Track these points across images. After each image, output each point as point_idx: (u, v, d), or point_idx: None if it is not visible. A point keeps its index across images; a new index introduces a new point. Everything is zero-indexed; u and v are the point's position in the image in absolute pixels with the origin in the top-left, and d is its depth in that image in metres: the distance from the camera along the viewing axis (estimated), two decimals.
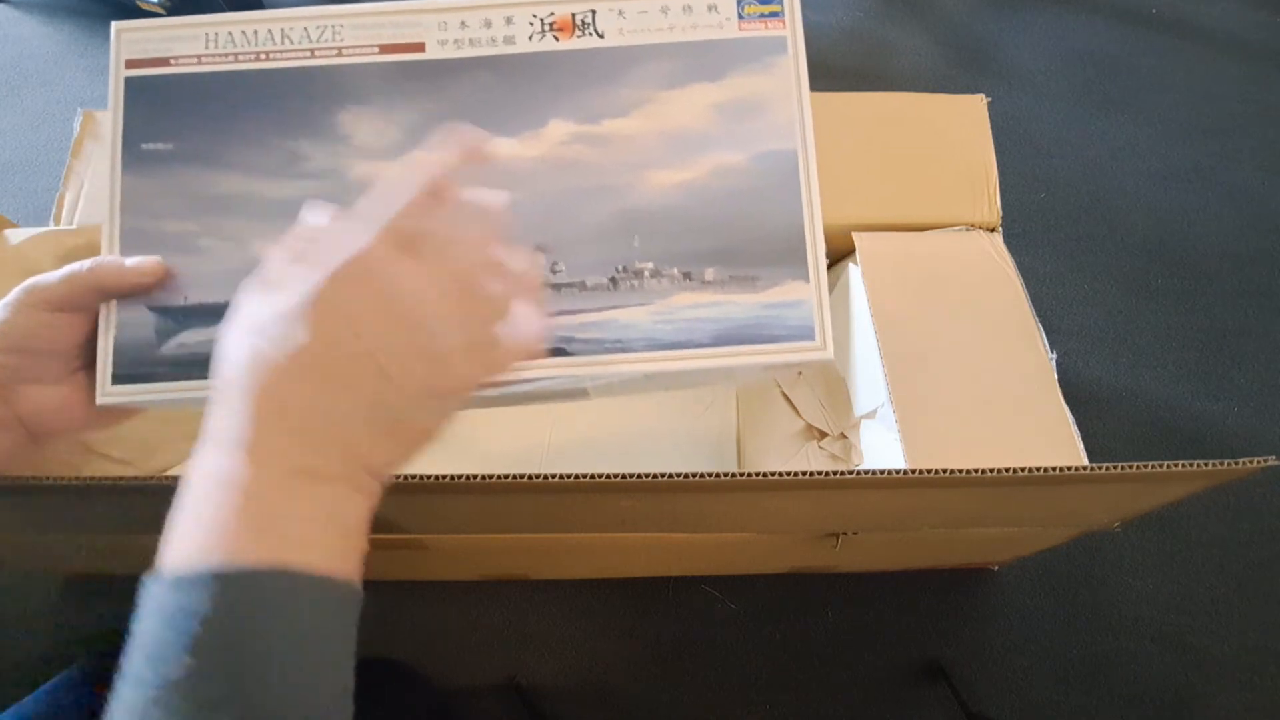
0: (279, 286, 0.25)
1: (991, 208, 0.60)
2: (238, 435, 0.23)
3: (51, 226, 0.59)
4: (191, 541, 0.22)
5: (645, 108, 0.37)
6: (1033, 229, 0.97)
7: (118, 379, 0.34)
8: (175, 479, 0.35)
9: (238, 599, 0.21)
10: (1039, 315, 0.54)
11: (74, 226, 0.59)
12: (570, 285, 0.35)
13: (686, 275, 0.35)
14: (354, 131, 0.36)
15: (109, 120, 0.36)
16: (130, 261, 0.34)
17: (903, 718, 0.70)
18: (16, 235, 0.58)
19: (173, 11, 1.12)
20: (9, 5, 1.20)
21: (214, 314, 0.35)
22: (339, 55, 0.37)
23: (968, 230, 0.60)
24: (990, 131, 0.62)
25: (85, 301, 0.33)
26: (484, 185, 0.35)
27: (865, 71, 1.12)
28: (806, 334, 0.35)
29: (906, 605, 0.74)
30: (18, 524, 0.48)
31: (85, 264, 0.33)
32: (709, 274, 0.35)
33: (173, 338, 0.35)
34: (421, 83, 0.37)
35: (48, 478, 0.35)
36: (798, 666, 0.72)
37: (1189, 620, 0.74)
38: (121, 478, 0.35)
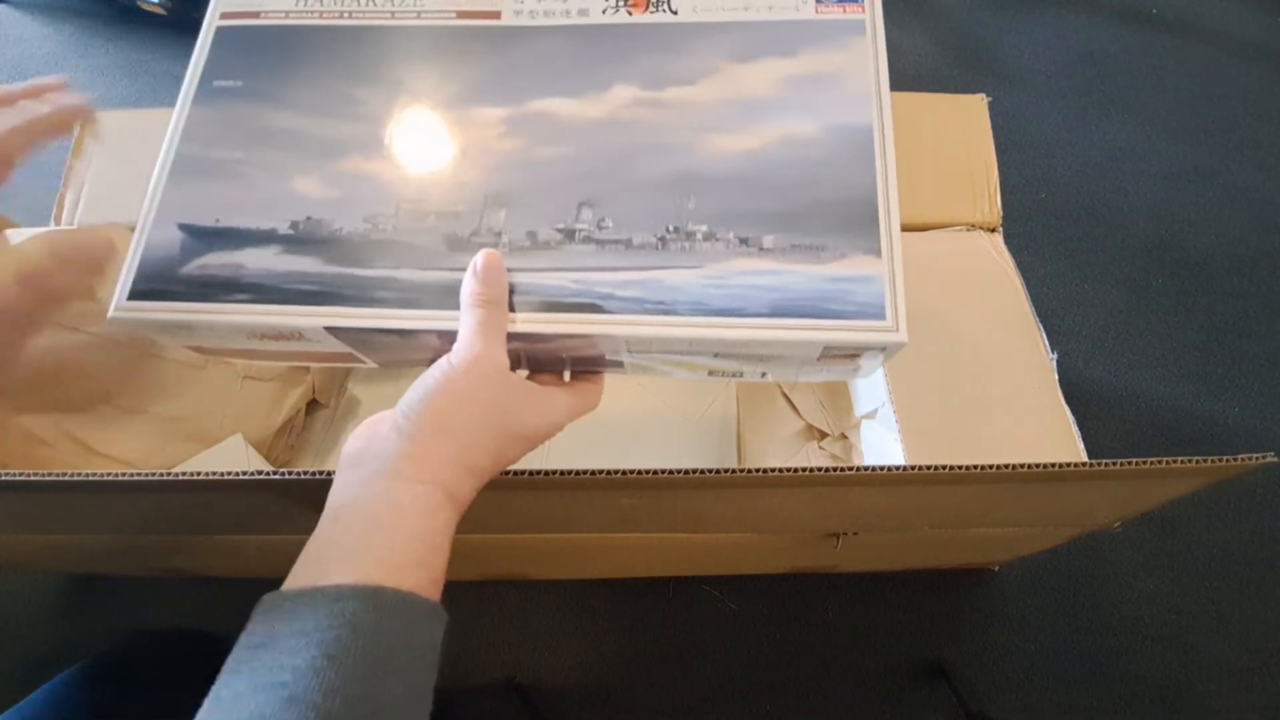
0: None
1: (992, 208, 0.60)
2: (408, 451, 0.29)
3: (51, 227, 0.59)
4: (359, 565, 0.26)
5: (713, 77, 0.36)
6: (1033, 229, 0.97)
7: (135, 294, 0.34)
8: (174, 477, 0.35)
9: (377, 614, 0.25)
10: (1039, 315, 0.54)
11: (74, 226, 0.59)
12: (615, 242, 0.34)
13: (743, 241, 0.33)
14: (415, 83, 0.37)
15: (192, 61, 0.38)
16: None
17: (903, 718, 0.70)
18: (16, 235, 0.58)
19: (172, 13, 1.13)
20: (9, 5, 1.21)
21: (240, 238, 0.35)
22: (418, 18, 0.38)
23: (968, 230, 0.60)
24: (990, 131, 0.62)
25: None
26: (540, 141, 0.36)
27: None
28: (876, 313, 0.31)
29: (906, 605, 0.74)
30: (18, 524, 0.48)
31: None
32: (768, 240, 0.33)
33: (196, 258, 0.35)
34: (490, 44, 0.38)
35: (49, 475, 0.35)
36: (798, 666, 0.72)
37: (1189, 620, 0.74)
38: (122, 474, 0.35)
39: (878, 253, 0.32)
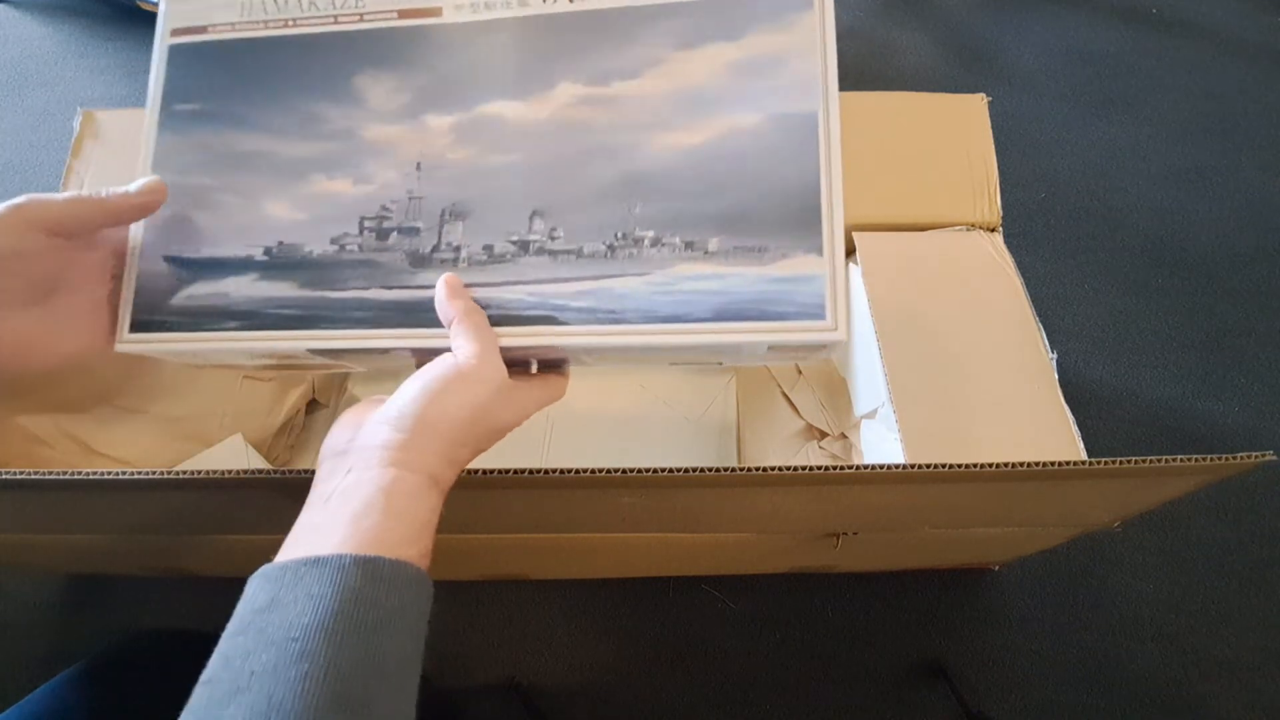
0: None
1: (992, 208, 0.60)
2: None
3: None
4: (356, 542, 0.27)
5: (658, 68, 0.35)
6: (1033, 229, 0.97)
7: (135, 326, 0.36)
8: (174, 476, 0.35)
9: (375, 580, 0.27)
10: (1039, 315, 0.54)
11: None
12: (567, 252, 0.34)
13: (689, 245, 0.33)
14: (369, 94, 0.37)
15: (151, 83, 0.39)
16: (134, 186, 0.35)
17: (903, 718, 0.70)
18: None
19: None
20: (9, 5, 1.21)
21: (222, 268, 0.36)
22: (360, 20, 0.38)
23: (968, 230, 0.60)
24: (990, 131, 0.62)
25: (85, 225, 0.34)
26: (490, 148, 0.36)
27: (865, 71, 1.12)
28: (816, 313, 0.32)
29: (906, 605, 0.74)
30: (18, 524, 0.48)
31: (97, 191, 0.33)
32: (712, 244, 0.33)
33: (184, 289, 0.36)
34: (435, 46, 0.37)
35: (49, 475, 0.35)
36: (798, 666, 0.72)
37: (1189, 620, 0.74)
38: (122, 473, 0.35)
39: (820, 251, 0.32)
